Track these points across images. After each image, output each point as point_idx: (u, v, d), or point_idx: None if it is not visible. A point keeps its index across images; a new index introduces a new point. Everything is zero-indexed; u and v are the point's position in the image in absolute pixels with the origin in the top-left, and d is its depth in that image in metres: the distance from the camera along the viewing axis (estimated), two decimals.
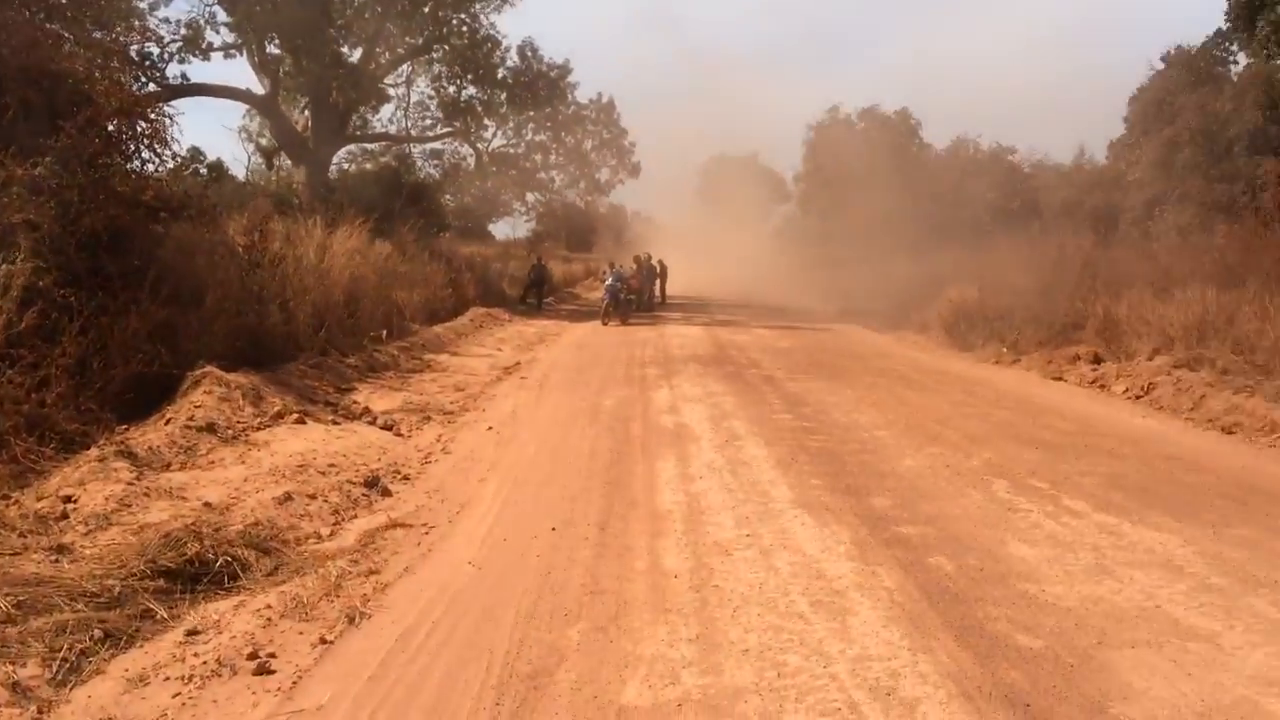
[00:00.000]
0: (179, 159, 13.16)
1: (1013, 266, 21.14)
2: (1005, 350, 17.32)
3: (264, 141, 38.32)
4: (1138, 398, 12.53)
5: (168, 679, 4.37)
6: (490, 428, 10.55)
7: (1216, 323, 12.97)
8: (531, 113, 36.74)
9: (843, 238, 41.58)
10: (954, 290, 21.51)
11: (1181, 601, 5.26)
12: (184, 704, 4.16)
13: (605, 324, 25.19)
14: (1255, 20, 26.33)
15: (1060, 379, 14.62)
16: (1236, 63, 28.20)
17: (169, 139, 11.60)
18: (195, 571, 5.49)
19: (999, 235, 27.91)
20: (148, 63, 24.90)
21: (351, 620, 5.06)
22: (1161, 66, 28.75)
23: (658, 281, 33.07)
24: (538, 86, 35.68)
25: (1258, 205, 19.59)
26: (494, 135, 37.69)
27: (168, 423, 8.82)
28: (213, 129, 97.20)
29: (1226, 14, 27.56)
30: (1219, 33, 28.20)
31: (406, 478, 8.37)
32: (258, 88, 29.79)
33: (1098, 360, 14.78)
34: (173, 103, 15.27)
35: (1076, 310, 16.96)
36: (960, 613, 5.09)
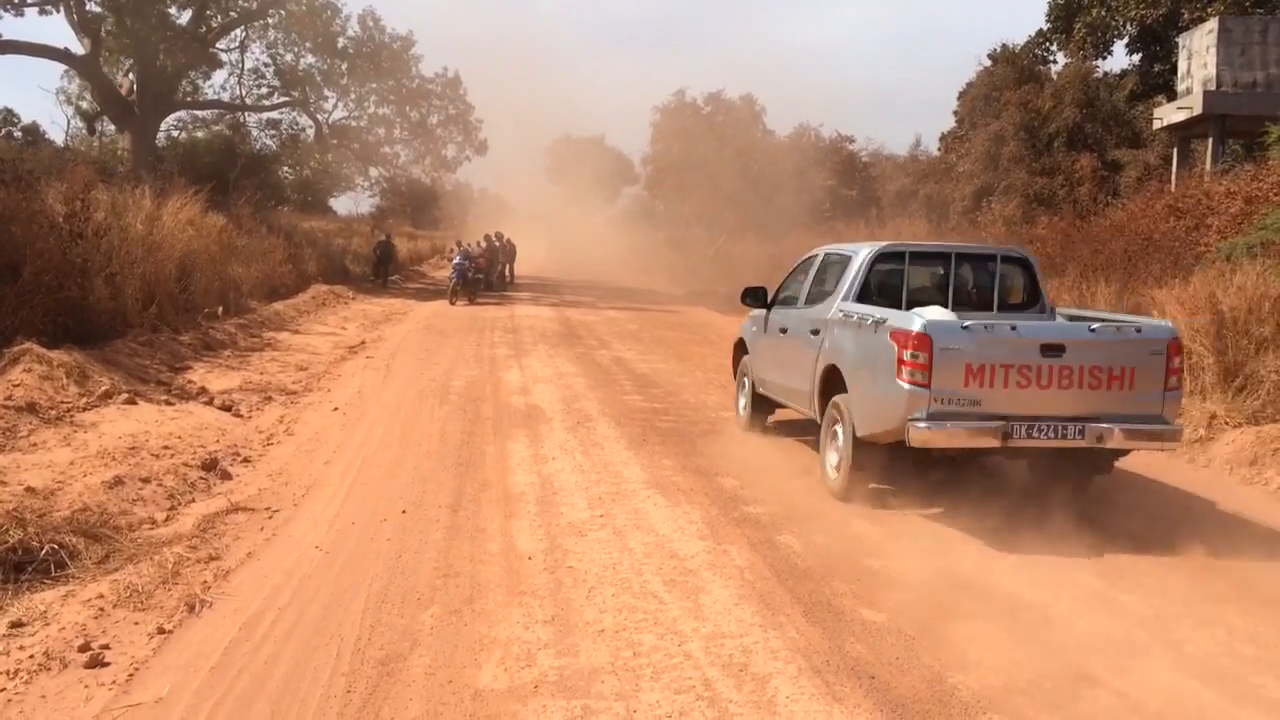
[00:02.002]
0: None
1: None
2: None
3: (85, 105, 36.15)
4: None
5: None
6: (336, 408, 10.27)
7: None
8: (374, 85, 35.76)
9: (690, 220, 42.14)
10: None
11: (1012, 575, 5.55)
12: (9, 700, 3.90)
13: (453, 303, 24.83)
14: (1072, 23, 27.86)
15: None
16: (1056, 62, 29.74)
17: None
18: (18, 560, 5.17)
19: (839, 221, 28.78)
20: None
21: (191, 609, 4.85)
22: (989, 63, 30.01)
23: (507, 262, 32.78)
24: (380, 57, 34.75)
25: (1075, 198, 20.80)
26: (335, 107, 36.58)
27: None
28: (27, 90, 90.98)
29: (1047, 15, 29.07)
30: (1040, 33, 29.64)
31: (247, 460, 8.07)
32: (77, 47, 27.98)
33: None
34: None
35: None
36: (808, 589, 5.25)
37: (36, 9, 26.11)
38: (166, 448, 7.99)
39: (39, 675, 4.11)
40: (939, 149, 33.19)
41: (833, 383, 7.37)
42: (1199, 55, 19.49)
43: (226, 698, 4.00)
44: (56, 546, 5.33)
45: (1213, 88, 18.84)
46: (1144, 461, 8.45)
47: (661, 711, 3.90)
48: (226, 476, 7.51)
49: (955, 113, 31.97)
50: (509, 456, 8.23)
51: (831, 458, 7.27)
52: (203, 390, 10.62)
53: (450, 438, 8.92)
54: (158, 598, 4.95)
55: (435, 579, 5.33)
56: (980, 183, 27.15)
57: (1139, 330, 6.65)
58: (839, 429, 7.12)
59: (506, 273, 32.61)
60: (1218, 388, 9.43)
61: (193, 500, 6.85)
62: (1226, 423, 8.90)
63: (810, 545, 5.97)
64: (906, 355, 6.33)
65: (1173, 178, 19.18)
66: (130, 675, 4.16)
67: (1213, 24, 19.40)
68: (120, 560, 5.44)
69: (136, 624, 4.65)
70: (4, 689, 3.99)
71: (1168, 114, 20.60)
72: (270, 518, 6.47)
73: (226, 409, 9.98)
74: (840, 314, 7.48)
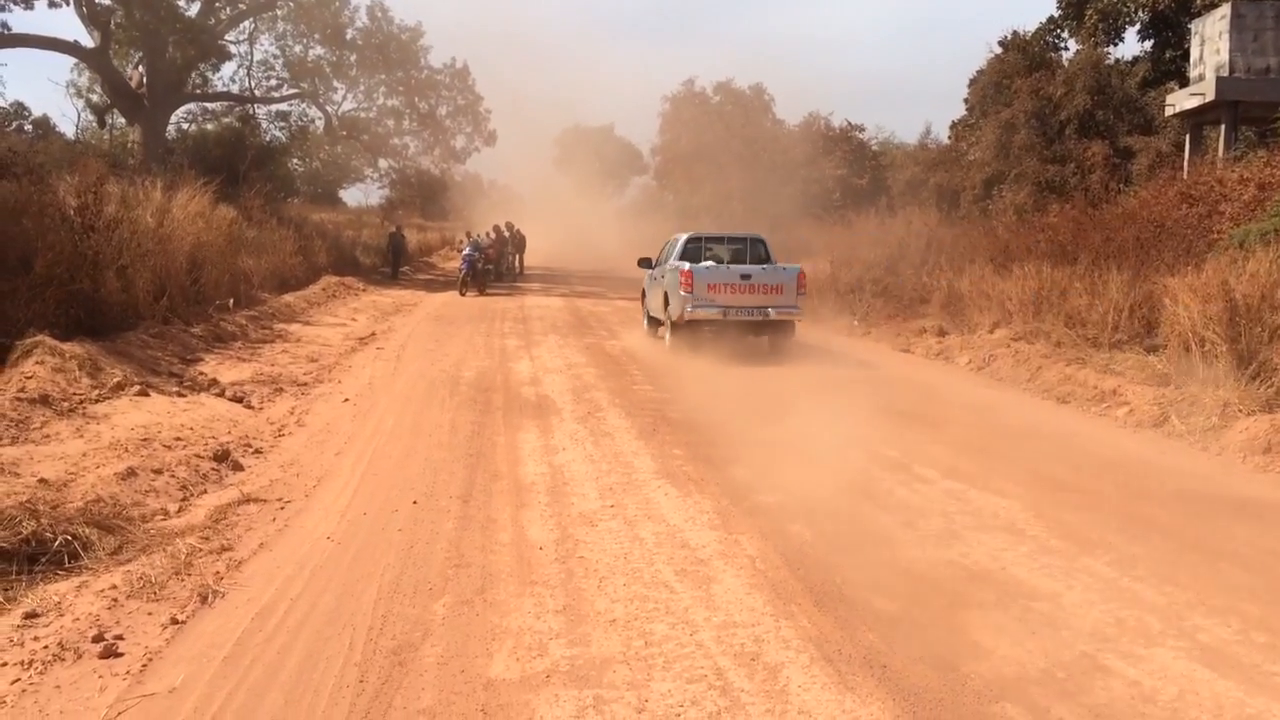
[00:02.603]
0: (1, 114, 12.34)
1: (862, 241, 21.80)
2: (856, 323, 17.88)
3: (95, 98, 36.16)
4: (980, 369, 13.12)
5: (5, 664, 4.12)
6: (347, 399, 10.29)
7: (1050, 297, 13.66)
8: (383, 76, 35.74)
9: (699, 210, 42.06)
10: (806, 264, 21.98)
11: (1025, 563, 5.54)
12: (24, 690, 3.92)
13: (463, 294, 24.85)
14: (1084, 9, 27.66)
15: (908, 351, 15.19)
16: (1067, 49, 29.50)
17: None
18: (32, 551, 5.19)
19: (849, 211, 28.67)
20: None
21: (204, 599, 4.87)
22: (1000, 51, 29.81)
23: (516, 252, 32.76)
24: (389, 49, 34.73)
25: (1087, 186, 20.67)
26: (344, 98, 36.58)
27: None
28: (38, 83, 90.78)
29: (1058, 2, 28.84)
30: (1051, 20, 29.40)
31: (259, 451, 8.09)
32: (87, 40, 28.06)
33: (942, 333, 15.41)
34: None
35: (922, 285, 17.64)
36: (820, 578, 5.24)
37: (46, 2, 26.16)
38: (178, 439, 8.01)
39: (53, 665, 4.13)
40: (949, 137, 33.07)
41: (667, 301, 14.41)
42: (1211, 41, 19.36)
43: (239, 687, 4.01)
44: (70, 538, 5.36)
45: (1225, 74, 18.71)
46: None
47: (673, 701, 3.90)
48: (238, 468, 7.53)
49: (966, 101, 31.82)
50: (520, 447, 8.24)
51: (666, 334, 14.56)
52: (214, 382, 10.64)
53: (461, 428, 8.93)
54: (170, 588, 4.97)
55: (447, 569, 5.34)
56: (991, 171, 27.05)
57: (785, 269, 14.32)
58: (669, 321, 14.31)
59: (516, 263, 32.61)
60: (1231, 375, 9.36)
61: (205, 491, 6.87)
62: (1240, 410, 8.84)
63: (822, 534, 5.96)
64: (682, 280, 13.73)
65: (1185, 165, 19.05)
66: (144, 665, 4.17)
67: (1225, 9, 19.25)
68: (133, 551, 5.46)
69: (150, 614, 4.67)
70: (19, 679, 4.01)
71: (1180, 100, 20.47)
72: (282, 508, 6.49)
73: (238, 400, 10.01)
74: (669, 266, 14.69)
